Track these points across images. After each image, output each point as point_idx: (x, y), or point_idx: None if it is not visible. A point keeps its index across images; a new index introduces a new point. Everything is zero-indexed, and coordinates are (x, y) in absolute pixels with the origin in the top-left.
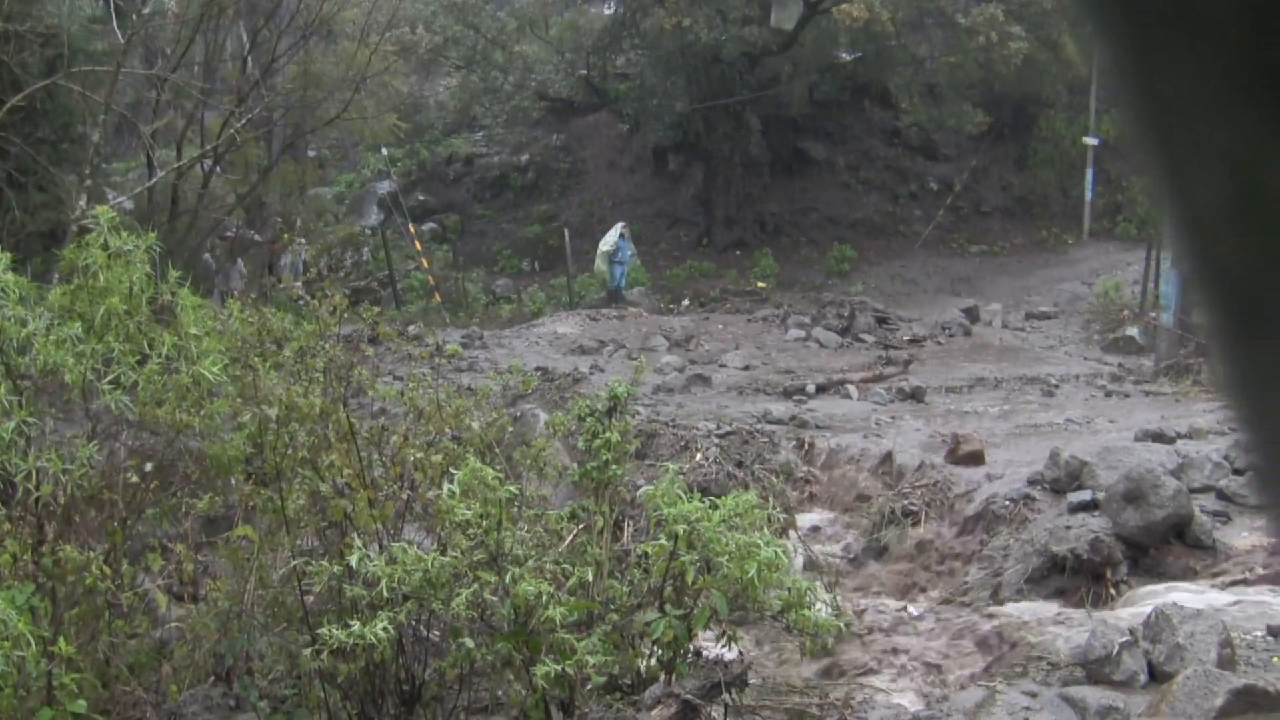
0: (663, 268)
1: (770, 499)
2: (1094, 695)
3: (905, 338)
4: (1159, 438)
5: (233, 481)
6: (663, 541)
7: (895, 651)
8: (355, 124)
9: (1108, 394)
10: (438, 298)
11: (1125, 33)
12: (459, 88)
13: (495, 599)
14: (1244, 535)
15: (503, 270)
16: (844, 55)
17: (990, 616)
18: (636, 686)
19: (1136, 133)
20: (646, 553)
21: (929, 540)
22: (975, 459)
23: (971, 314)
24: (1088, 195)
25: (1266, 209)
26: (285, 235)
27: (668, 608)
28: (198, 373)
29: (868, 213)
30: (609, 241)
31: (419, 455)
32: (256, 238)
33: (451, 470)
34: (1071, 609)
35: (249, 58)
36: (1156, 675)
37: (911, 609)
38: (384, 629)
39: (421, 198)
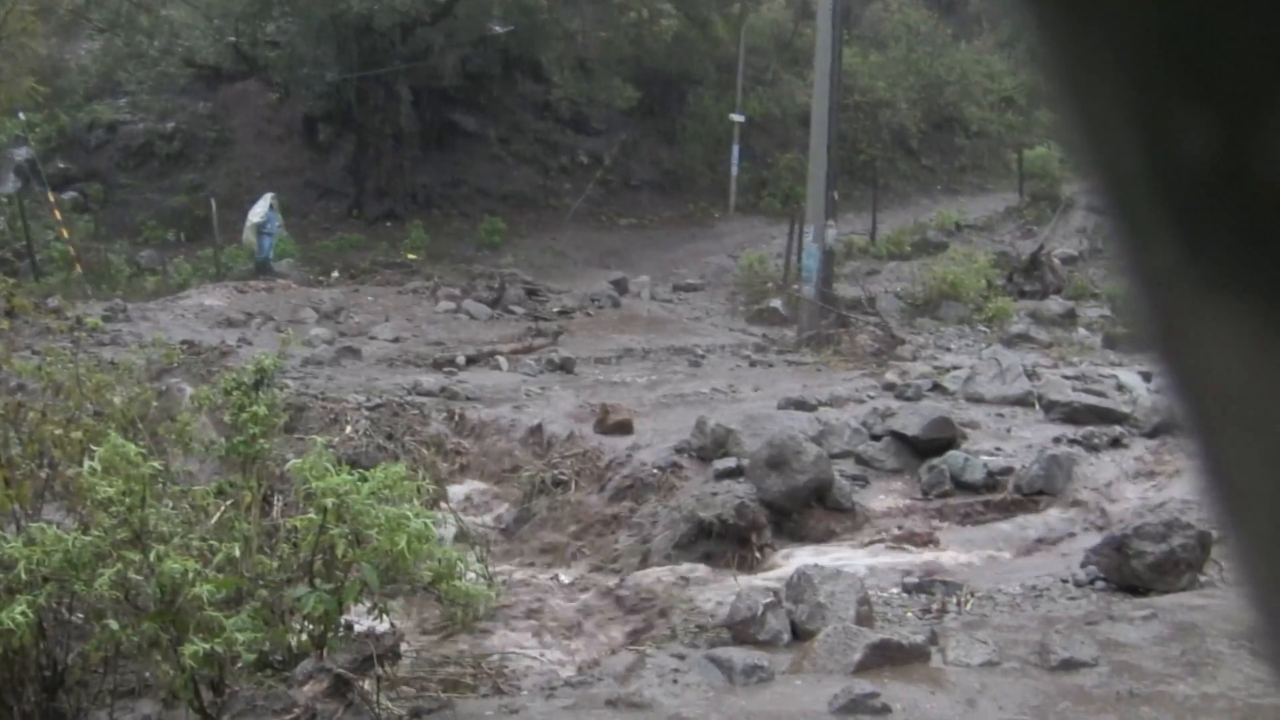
0: (312, 239)
1: (420, 471)
2: (740, 655)
3: (555, 309)
4: (801, 405)
5: None
6: (311, 515)
7: (547, 619)
8: None
9: (752, 364)
10: (79, 269)
11: None
12: (102, 51)
13: (140, 578)
14: (881, 498)
15: (148, 241)
16: (496, 28)
17: (640, 583)
18: (288, 662)
19: (1056, 94)
20: (296, 527)
21: (579, 509)
22: (623, 428)
23: (620, 286)
24: (734, 171)
25: (1179, 172)
26: None
27: (318, 582)
28: None
29: (519, 185)
30: (259, 213)
31: (58, 432)
32: None
33: (92, 447)
34: (718, 573)
35: None
36: (799, 634)
37: (562, 576)
38: (22, 613)
39: (62, 165)
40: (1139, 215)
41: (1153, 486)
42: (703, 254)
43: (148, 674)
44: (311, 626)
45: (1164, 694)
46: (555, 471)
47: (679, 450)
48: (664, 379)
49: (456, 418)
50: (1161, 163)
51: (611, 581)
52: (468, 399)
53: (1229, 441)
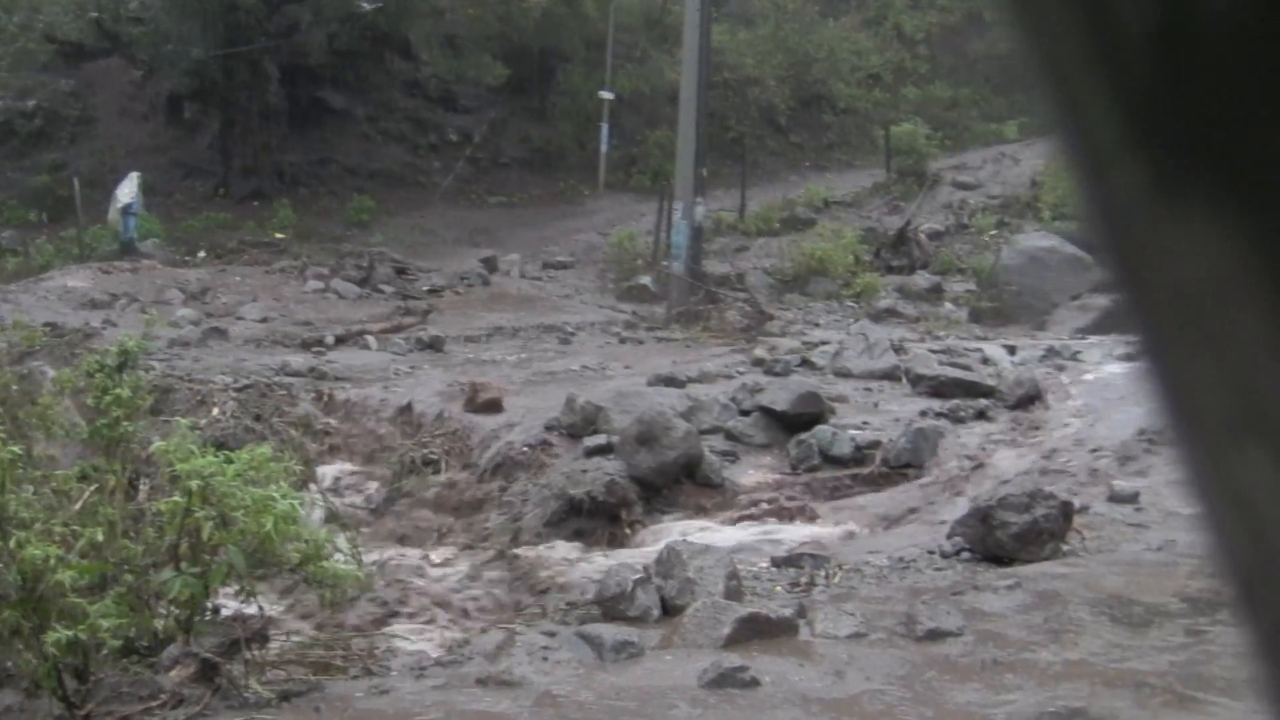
0: (178, 219)
1: (288, 452)
2: (610, 632)
3: (424, 288)
4: (671, 382)
5: None
6: (177, 498)
7: (417, 599)
8: None
9: (622, 340)
10: None
11: None
12: None
13: (0, 566)
14: (750, 473)
15: (8, 222)
16: (364, 4)
17: (510, 561)
18: (154, 648)
19: None
20: (161, 510)
21: (449, 488)
22: (493, 407)
23: (490, 264)
24: (603, 148)
25: (1128, 51)
26: None
27: (184, 565)
28: None
29: (387, 163)
30: (127, 193)
31: None
32: None
33: None
34: (589, 550)
35: None
36: (669, 609)
37: (433, 556)
38: None
39: None
40: (1088, 116)
41: (1017, 457)
42: (573, 231)
43: (9, 663)
44: (178, 611)
45: (1027, 661)
46: (425, 451)
47: (549, 428)
48: (534, 357)
49: (325, 398)
50: (1108, 45)
51: (482, 560)
52: (336, 379)
53: (1184, 351)
